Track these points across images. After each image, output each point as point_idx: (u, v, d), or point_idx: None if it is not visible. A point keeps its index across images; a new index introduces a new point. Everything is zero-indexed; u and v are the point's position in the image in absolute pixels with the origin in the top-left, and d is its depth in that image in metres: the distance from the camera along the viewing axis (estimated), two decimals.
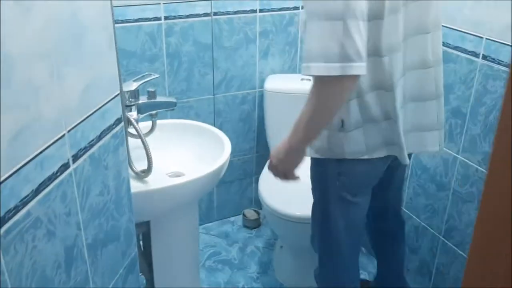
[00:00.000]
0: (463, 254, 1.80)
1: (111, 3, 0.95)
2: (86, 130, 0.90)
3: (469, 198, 1.72)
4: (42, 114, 0.76)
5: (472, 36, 1.59)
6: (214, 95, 2.21)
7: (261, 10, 2.13)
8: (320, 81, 1.09)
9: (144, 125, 1.54)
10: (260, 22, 2.15)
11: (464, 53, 1.62)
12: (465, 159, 1.70)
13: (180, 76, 2.10)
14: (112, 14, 0.96)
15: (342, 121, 1.25)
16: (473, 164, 1.67)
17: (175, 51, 2.04)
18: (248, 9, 2.10)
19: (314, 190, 1.44)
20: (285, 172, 1.33)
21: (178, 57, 2.06)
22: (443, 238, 1.88)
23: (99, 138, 0.95)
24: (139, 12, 1.91)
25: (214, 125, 2.26)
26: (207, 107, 2.23)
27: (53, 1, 0.76)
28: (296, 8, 2.20)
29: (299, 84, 2.16)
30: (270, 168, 1.36)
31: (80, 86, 0.87)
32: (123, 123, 1.05)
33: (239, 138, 2.37)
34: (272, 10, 2.15)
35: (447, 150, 1.76)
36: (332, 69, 1.03)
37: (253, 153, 2.46)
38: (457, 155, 1.73)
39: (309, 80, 2.11)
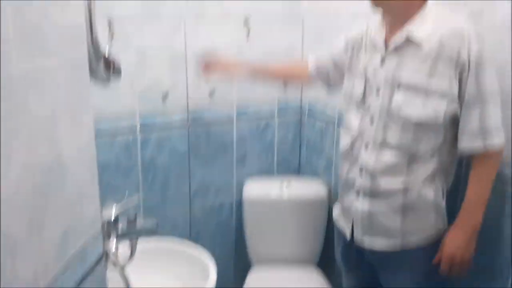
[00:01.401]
0: None
1: (94, 135, 0.88)
2: (65, 280, 0.78)
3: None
4: (17, 275, 0.65)
5: None
6: (190, 205, 2.12)
7: (238, 118, 2.11)
8: (497, 153, 1.29)
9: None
10: (237, 129, 2.13)
11: None
12: None
13: (155, 188, 2.01)
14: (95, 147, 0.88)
15: (443, 190, 1.38)
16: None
17: (150, 163, 1.97)
18: (225, 116, 2.08)
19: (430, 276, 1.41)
20: (464, 261, 1.34)
21: (153, 169, 1.98)
22: None
23: (78, 284, 0.83)
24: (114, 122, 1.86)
25: (190, 236, 2.14)
26: (182, 217, 2.12)
27: (35, 144, 0.68)
28: (272, 114, 2.20)
29: (278, 190, 2.10)
30: (449, 269, 1.34)
31: (59, 232, 0.77)
32: (103, 261, 0.94)
33: (216, 248, 2.24)
34: (249, 116, 2.13)
35: None
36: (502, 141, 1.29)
37: (232, 264, 2.32)
38: None
39: (290, 185, 2.08)
